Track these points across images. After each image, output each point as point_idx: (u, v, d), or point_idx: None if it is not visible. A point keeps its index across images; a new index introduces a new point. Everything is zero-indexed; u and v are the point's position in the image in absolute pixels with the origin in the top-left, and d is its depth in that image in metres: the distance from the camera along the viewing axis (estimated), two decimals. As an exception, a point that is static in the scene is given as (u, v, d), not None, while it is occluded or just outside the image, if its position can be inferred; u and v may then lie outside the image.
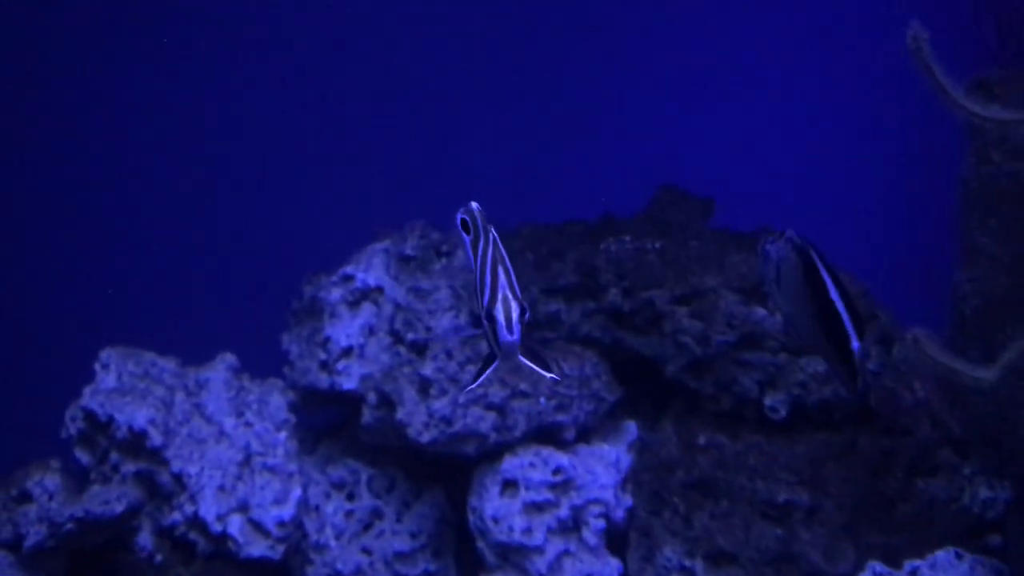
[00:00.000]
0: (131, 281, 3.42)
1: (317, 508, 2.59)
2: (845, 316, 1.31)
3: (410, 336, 2.64)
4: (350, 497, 2.60)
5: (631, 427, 2.62)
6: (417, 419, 2.38)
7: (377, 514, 2.58)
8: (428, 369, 2.41)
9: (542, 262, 2.82)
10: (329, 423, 2.78)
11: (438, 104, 3.71)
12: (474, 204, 1.26)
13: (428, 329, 2.64)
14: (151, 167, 3.48)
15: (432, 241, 2.79)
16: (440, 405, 2.38)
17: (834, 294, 1.32)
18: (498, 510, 2.39)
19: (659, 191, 3.04)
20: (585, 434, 2.58)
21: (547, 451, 2.46)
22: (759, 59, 3.33)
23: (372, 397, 2.47)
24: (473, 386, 1.32)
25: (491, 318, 1.19)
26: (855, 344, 1.31)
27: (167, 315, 3.26)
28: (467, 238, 1.24)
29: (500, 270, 1.21)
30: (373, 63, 3.70)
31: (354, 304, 2.66)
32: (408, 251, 2.75)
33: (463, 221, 1.25)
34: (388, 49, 3.67)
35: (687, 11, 3.47)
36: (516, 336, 1.19)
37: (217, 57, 3.55)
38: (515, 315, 1.18)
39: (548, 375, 1.29)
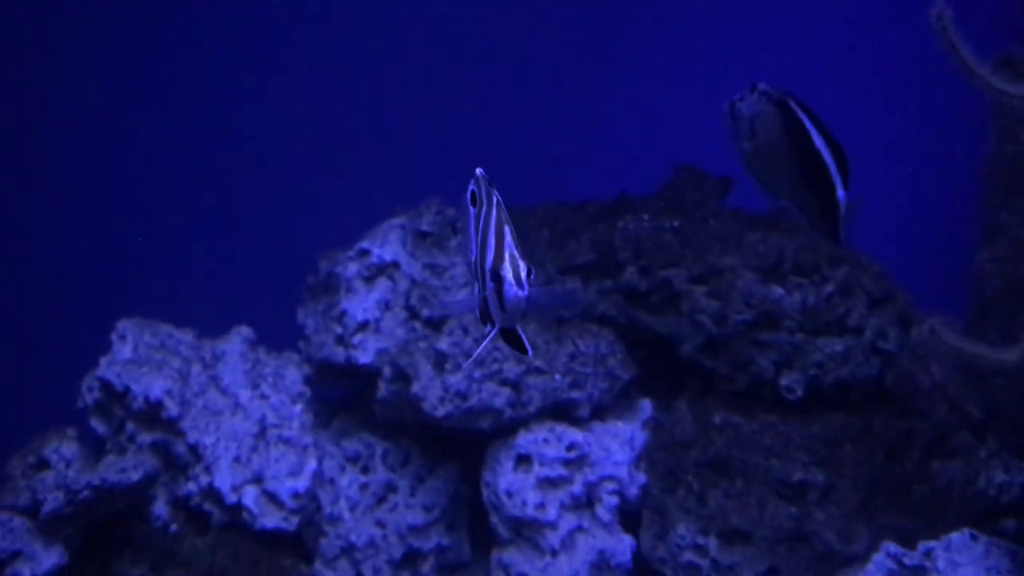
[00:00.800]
0: (149, 254, 3.42)
1: (332, 481, 2.60)
2: (831, 164, 1.28)
3: (425, 312, 2.64)
4: (364, 470, 2.61)
5: (646, 405, 2.62)
6: (432, 393, 2.39)
7: (391, 487, 2.59)
8: (444, 344, 2.41)
9: (558, 240, 2.81)
10: (344, 397, 2.78)
11: (455, 84, 3.69)
12: (479, 170, 1.23)
13: (444, 305, 2.64)
14: (169, 142, 3.48)
15: (448, 218, 2.78)
16: (455, 380, 2.38)
17: (819, 142, 1.29)
18: (512, 485, 2.40)
19: (676, 171, 3.02)
20: (600, 412, 2.58)
21: (561, 427, 2.46)
22: (778, 37, 3.30)
23: (388, 371, 2.47)
24: (474, 356, 1.30)
25: (498, 277, 1.16)
26: (840, 193, 1.28)
27: (184, 288, 3.26)
28: (472, 210, 1.22)
29: (506, 230, 1.19)
30: (388, 44, 3.69)
31: (370, 279, 2.66)
32: (424, 227, 2.74)
33: (472, 193, 1.23)
34: (403, 32, 3.66)
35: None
36: (525, 291, 1.18)
37: (236, 38, 3.54)
38: (523, 273, 1.17)
39: (525, 354, 1.26)
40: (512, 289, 1.17)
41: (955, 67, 1.51)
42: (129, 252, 3.40)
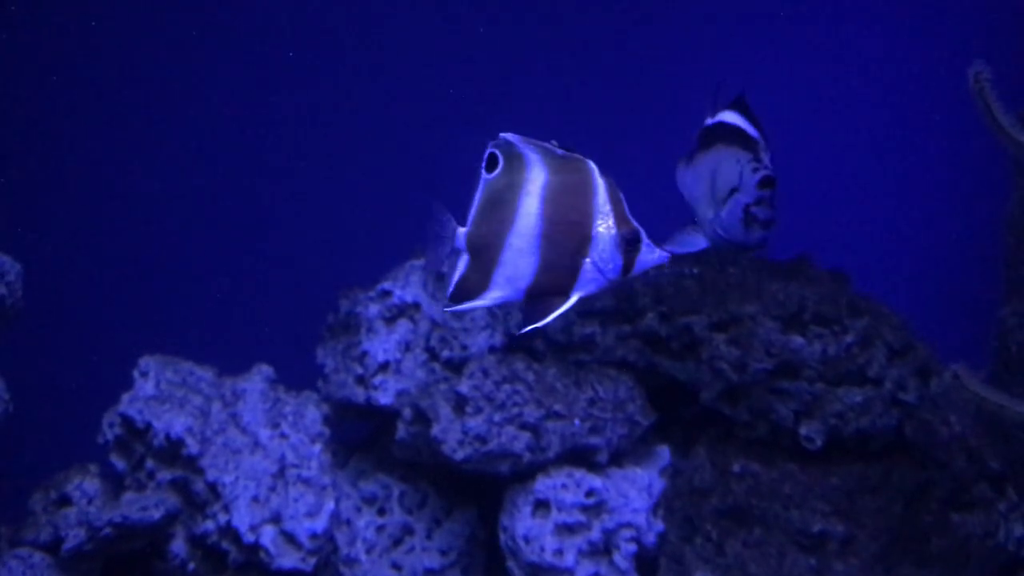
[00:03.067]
0: (171, 292, 3.45)
1: (348, 522, 2.60)
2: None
3: (445, 353, 2.65)
4: (381, 512, 2.62)
5: (664, 452, 2.62)
6: (452, 436, 2.39)
7: (408, 530, 2.59)
8: (464, 387, 2.42)
9: (577, 284, 2.83)
10: (362, 437, 2.80)
11: (476, 122, 3.73)
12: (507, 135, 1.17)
13: (463, 347, 2.65)
14: (194, 181, 3.52)
15: (469, 260, 2.81)
16: (475, 423, 2.39)
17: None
18: (529, 530, 2.40)
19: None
20: (618, 457, 2.58)
21: (580, 473, 2.46)
22: (802, 88, 3.34)
23: (407, 413, 2.48)
24: (547, 320, 1.21)
25: (637, 239, 1.14)
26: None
27: (207, 326, 3.28)
28: (486, 176, 1.17)
29: (621, 195, 1.17)
30: (410, 78, 3.72)
31: (391, 320, 2.68)
32: (444, 269, 2.76)
33: (491, 157, 1.17)
34: (422, 64, 3.69)
35: (718, 29, 3.48)
36: (667, 254, 1.18)
37: (254, 73, 3.59)
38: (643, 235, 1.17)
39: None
40: (653, 253, 1.16)
41: (988, 126, 1.54)
42: (153, 289, 3.43)
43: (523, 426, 2.43)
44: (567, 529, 2.40)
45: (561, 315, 1.20)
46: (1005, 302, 1.86)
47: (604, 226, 1.16)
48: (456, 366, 2.63)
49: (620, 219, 1.16)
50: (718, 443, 2.55)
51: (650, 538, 2.47)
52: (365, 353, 2.61)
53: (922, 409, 2.31)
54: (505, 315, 2.75)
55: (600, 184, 1.16)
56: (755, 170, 1.43)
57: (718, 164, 1.47)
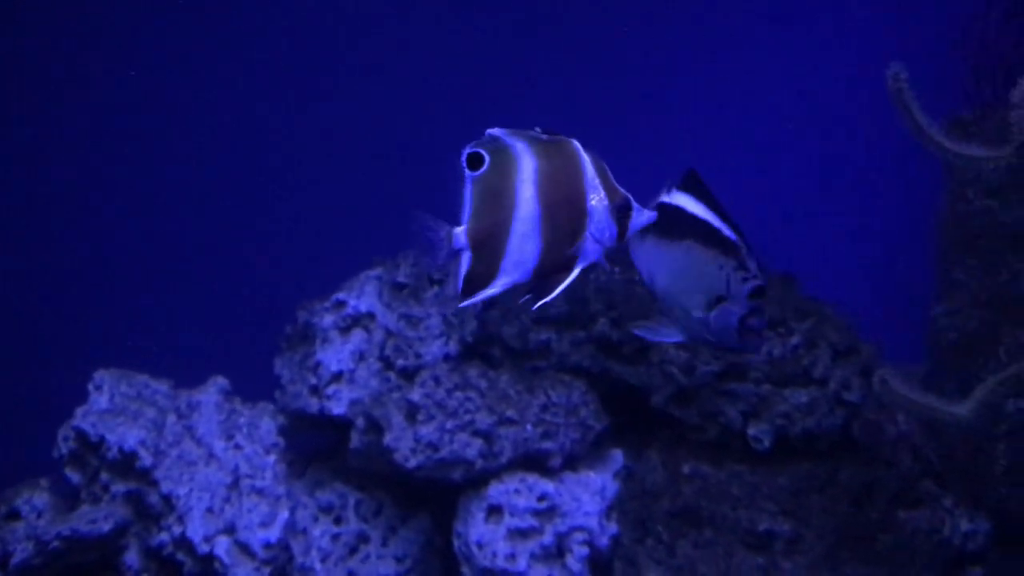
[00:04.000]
0: (127, 304, 3.45)
1: (304, 531, 2.61)
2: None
3: (400, 362, 2.67)
4: (337, 521, 2.63)
5: (617, 455, 2.64)
6: (404, 444, 2.41)
7: (363, 538, 2.60)
8: (416, 395, 2.43)
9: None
10: (319, 447, 2.80)
11: (442, 129, 3.75)
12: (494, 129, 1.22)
13: (418, 356, 2.67)
14: (153, 193, 3.52)
15: (424, 268, 2.83)
16: (427, 431, 2.40)
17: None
18: (482, 535, 2.41)
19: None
20: (572, 461, 2.60)
21: (532, 478, 2.48)
22: (755, 93, 3.38)
23: (361, 422, 2.50)
24: (555, 293, 1.25)
25: (628, 206, 1.20)
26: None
27: (163, 338, 3.28)
28: (471, 174, 1.19)
29: (605, 166, 1.22)
30: (377, 81, 3.73)
31: (346, 330, 2.69)
32: (401, 278, 2.79)
33: (473, 156, 1.19)
34: (389, 70, 3.71)
35: (694, 50, 3.52)
36: (654, 213, 1.23)
37: (217, 78, 3.59)
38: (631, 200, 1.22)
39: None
40: (644, 214, 1.23)
41: (908, 127, 1.57)
42: (110, 302, 3.43)
43: (475, 433, 2.45)
44: (520, 534, 2.42)
45: (568, 286, 1.25)
46: (937, 301, 1.89)
47: (596, 199, 1.21)
48: (411, 375, 2.65)
49: (610, 190, 1.20)
50: (670, 445, 2.58)
51: (603, 541, 2.49)
52: (319, 363, 2.62)
53: (869, 408, 2.34)
54: (461, 322, 2.77)
55: (587, 160, 1.21)
56: (744, 279, 1.42)
57: (697, 266, 1.43)
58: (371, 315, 2.70)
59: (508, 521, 2.42)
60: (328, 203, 3.65)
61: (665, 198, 1.43)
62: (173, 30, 3.50)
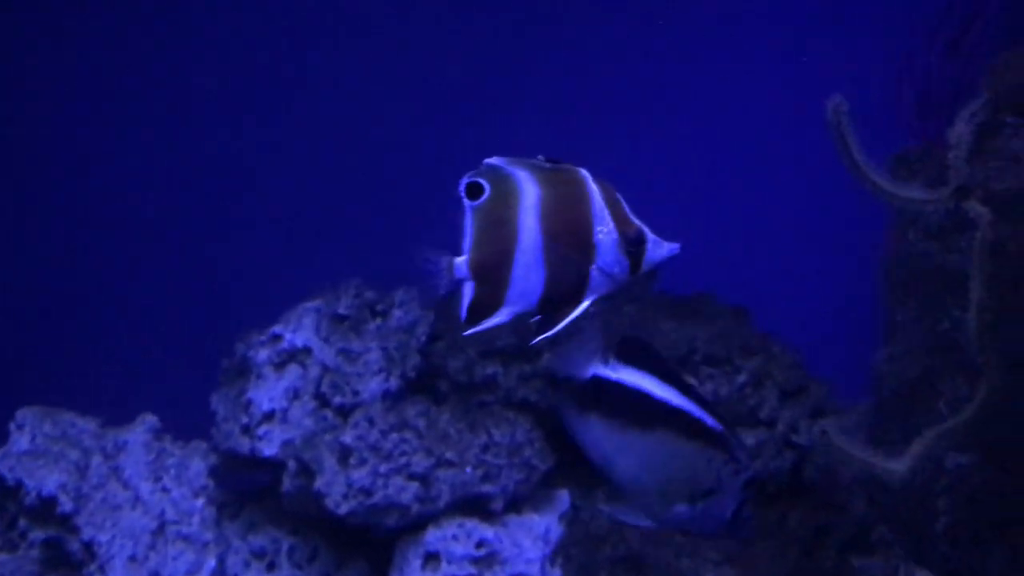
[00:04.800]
0: (59, 335, 3.34)
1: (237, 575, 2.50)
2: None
3: (337, 400, 2.56)
4: (271, 567, 2.52)
5: (564, 496, 2.54)
6: (336, 490, 2.30)
7: (297, 585, 2.49)
8: (348, 437, 2.33)
9: (480, 323, 2.76)
10: (253, 487, 2.69)
11: (393, 159, 3.66)
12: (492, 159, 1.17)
13: (355, 393, 2.57)
14: (81, 209, 3.40)
15: (367, 300, 2.73)
16: (359, 475, 2.30)
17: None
18: (418, 584, 2.31)
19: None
20: (516, 504, 2.50)
21: (472, 523, 2.38)
22: (710, 120, 3.31)
23: (292, 465, 2.39)
24: (556, 329, 1.19)
25: (641, 239, 1.14)
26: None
27: (98, 371, 3.17)
28: (470, 204, 1.15)
29: (618, 196, 1.16)
30: (327, 96, 3.64)
31: (280, 365, 2.59)
32: (341, 310, 2.68)
33: (473, 185, 1.15)
34: (344, 91, 3.61)
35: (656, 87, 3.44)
36: (676, 245, 1.16)
37: (152, 115, 3.49)
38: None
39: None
40: (665, 248, 1.16)
41: (844, 163, 1.48)
42: (41, 335, 3.32)
43: (411, 476, 2.35)
44: (457, 582, 2.32)
45: (573, 320, 1.20)
46: (881, 345, 1.81)
47: (604, 231, 1.16)
48: (348, 413, 2.54)
49: (620, 221, 1.16)
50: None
51: (547, 588, 2.39)
52: (250, 402, 2.51)
53: (819, 451, 2.25)
54: (402, 357, 2.67)
55: (595, 190, 1.16)
56: (736, 472, 1.32)
57: (678, 460, 1.31)
58: (307, 350, 2.59)
59: (445, 569, 2.32)
60: (279, 223, 3.54)
61: (607, 373, 1.31)
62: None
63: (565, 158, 1.20)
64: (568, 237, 1.15)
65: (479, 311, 1.18)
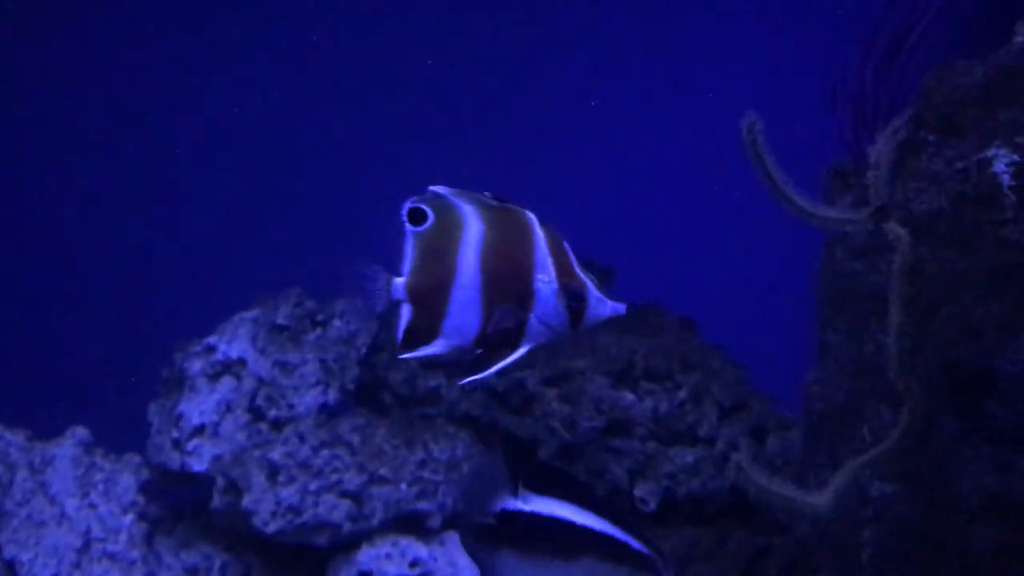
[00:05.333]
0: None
1: (168, 596, 2.43)
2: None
3: (272, 413, 2.50)
4: (203, 585, 2.45)
5: (505, 513, 2.49)
6: (264, 508, 2.24)
7: (228, 604, 2.42)
8: (276, 454, 2.27)
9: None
10: (188, 502, 2.63)
11: (344, 165, 3.59)
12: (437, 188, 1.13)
13: (291, 406, 2.50)
14: (11, 228, 3.33)
15: (307, 310, 2.66)
16: (288, 493, 2.23)
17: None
18: (349, 605, 2.25)
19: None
20: (456, 520, 2.44)
21: (406, 541, 2.32)
22: (658, 137, 3.26)
23: (220, 481, 2.32)
24: (488, 373, 1.16)
25: (582, 295, 1.09)
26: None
27: (44, 384, 3.10)
28: (414, 228, 1.12)
29: (565, 246, 1.11)
30: (271, 103, 3.56)
31: (214, 377, 2.52)
32: (280, 320, 2.62)
33: (416, 211, 1.12)
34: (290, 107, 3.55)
35: (597, 95, 3.39)
36: (623, 306, 1.12)
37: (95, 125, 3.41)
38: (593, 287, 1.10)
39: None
40: (610, 306, 1.11)
41: (763, 182, 1.43)
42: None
43: (343, 494, 2.28)
44: (389, 603, 2.26)
45: (509, 365, 1.16)
46: (812, 366, 1.75)
47: (545, 279, 1.12)
48: (283, 427, 2.47)
49: (563, 272, 1.11)
50: (559, 503, 2.42)
51: (483, 608, 2.33)
52: (181, 415, 2.44)
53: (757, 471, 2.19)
54: (341, 369, 2.60)
55: (540, 235, 1.12)
56: None
57: None
58: (242, 361, 2.53)
59: (377, 589, 2.26)
60: (224, 231, 3.47)
61: (518, 506, 1.24)
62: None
63: (510, 175, 1.15)
64: (507, 280, 1.11)
65: (416, 336, 1.14)
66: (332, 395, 2.55)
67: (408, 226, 1.12)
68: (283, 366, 2.54)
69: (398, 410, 2.64)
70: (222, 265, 3.46)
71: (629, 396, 2.26)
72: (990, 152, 1.32)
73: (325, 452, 2.29)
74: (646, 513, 2.27)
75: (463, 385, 2.15)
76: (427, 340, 1.14)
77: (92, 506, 2.39)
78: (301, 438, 2.30)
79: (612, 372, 2.28)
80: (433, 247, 1.12)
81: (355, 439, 2.35)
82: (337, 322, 2.66)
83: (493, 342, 1.13)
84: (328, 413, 2.51)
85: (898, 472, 1.48)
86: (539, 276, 1.11)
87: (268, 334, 2.60)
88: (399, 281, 1.13)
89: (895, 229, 1.36)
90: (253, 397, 2.50)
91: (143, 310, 3.52)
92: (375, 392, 2.70)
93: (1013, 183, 1.28)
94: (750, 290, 3.13)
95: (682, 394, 2.25)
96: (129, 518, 2.40)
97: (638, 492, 2.27)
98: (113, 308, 3.53)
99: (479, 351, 1.15)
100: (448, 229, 1.11)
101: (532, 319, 1.12)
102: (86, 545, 2.33)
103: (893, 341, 1.38)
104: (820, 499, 1.45)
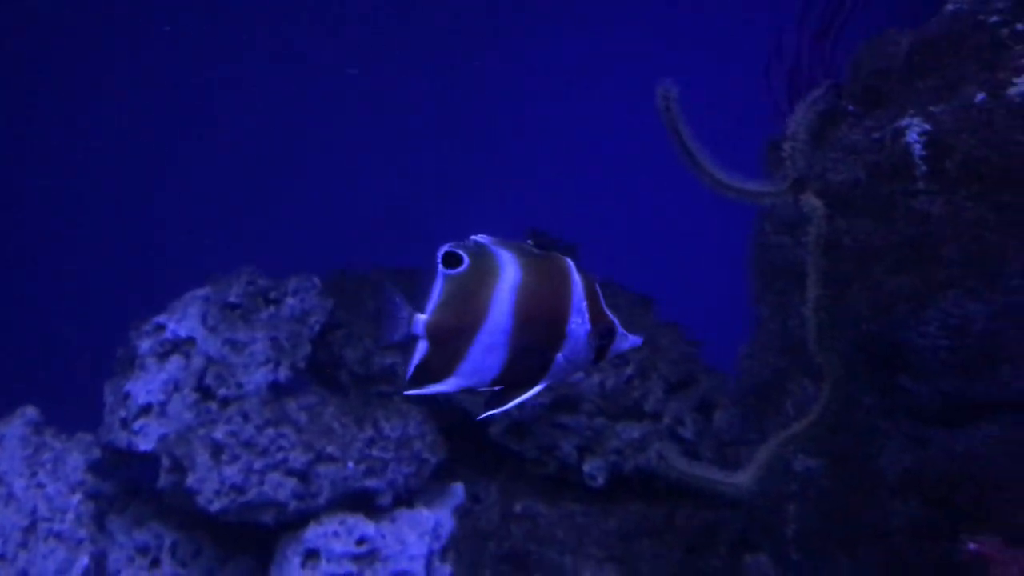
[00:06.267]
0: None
1: (118, 573, 2.42)
2: None
3: (222, 392, 2.48)
4: (154, 563, 2.44)
5: (458, 490, 2.47)
6: (208, 487, 2.22)
7: (178, 583, 2.41)
8: (220, 433, 2.25)
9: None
10: (143, 480, 2.61)
11: (311, 138, 3.56)
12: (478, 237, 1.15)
13: (239, 385, 2.48)
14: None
15: (260, 288, 2.63)
16: (231, 472, 2.22)
17: None
18: (296, 583, 2.24)
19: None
20: (408, 497, 2.42)
21: (354, 519, 2.30)
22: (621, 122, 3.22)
23: (166, 460, 2.31)
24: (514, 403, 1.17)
25: (612, 333, 1.14)
26: None
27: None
28: (444, 271, 1.14)
29: (597, 288, 1.16)
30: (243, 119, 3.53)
31: (163, 356, 2.49)
32: (232, 299, 2.59)
33: (451, 255, 1.14)
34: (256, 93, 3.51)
35: (564, 69, 3.34)
36: (640, 338, 1.17)
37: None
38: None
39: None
40: (630, 339, 1.16)
41: (678, 152, 1.40)
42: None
43: (289, 472, 2.27)
44: (336, 581, 2.25)
45: (527, 400, 1.18)
46: (744, 341, 1.73)
47: (579, 323, 1.15)
48: (231, 405, 2.45)
49: (596, 314, 1.15)
50: (512, 480, 2.41)
51: (433, 585, 2.32)
52: (128, 394, 2.42)
53: (706, 445, 2.17)
54: (293, 347, 2.58)
55: (576, 281, 1.15)
56: None
57: None
58: (191, 340, 2.50)
59: (324, 567, 2.24)
60: (183, 208, 3.44)
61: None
62: None
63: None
64: (542, 324, 1.13)
65: (427, 373, 1.16)
66: (283, 373, 2.53)
67: (441, 268, 1.14)
68: (233, 344, 2.51)
69: (355, 388, 2.62)
70: (184, 244, 3.43)
71: (578, 374, 2.24)
72: (903, 121, 1.29)
73: (270, 431, 2.27)
74: (595, 489, 2.26)
75: (480, 419, 2.17)
76: (438, 379, 1.15)
77: (39, 485, 2.38)
78: (245, 417, 2.28)
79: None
80: (464, 291, 1.13)
81: (302, 417, 2.34)
82: (290, 300, 2.64)
83: (513, 382, 1.15)
84: (278, 391, 2.49)
85: (821, 447, 1.46)
86: (574, 320, 1.14)
87: (219, 312, 2.57)
88: (420, 317, 1.14)
89: (810, 201, 1.33)
90: (202, 376, 2.48)
91: (108, 288, 3.50)
92: (334, 371, 2.68)
93: (924, 152, 1.25)
94: (714, 266, 3.10)
95: (629, 370, 2.23)
96: (77, 497, 2.38)
97: (587, 468, 2.26)
98: (82, 287, 3.51)
99: (497, 388, 1.17)
100: (483, 275, 1.13)
101: (559, 358, 1.15)
102: (32, 525, 2.31)
103: (811, 315, 1.35)
104: (742, 478, 1.43)
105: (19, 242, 3.45)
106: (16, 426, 2.46)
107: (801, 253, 1.42)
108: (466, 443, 2.53)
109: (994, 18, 1.31)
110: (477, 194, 3.50)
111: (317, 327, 2.62)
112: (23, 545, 2.29)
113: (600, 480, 2.24)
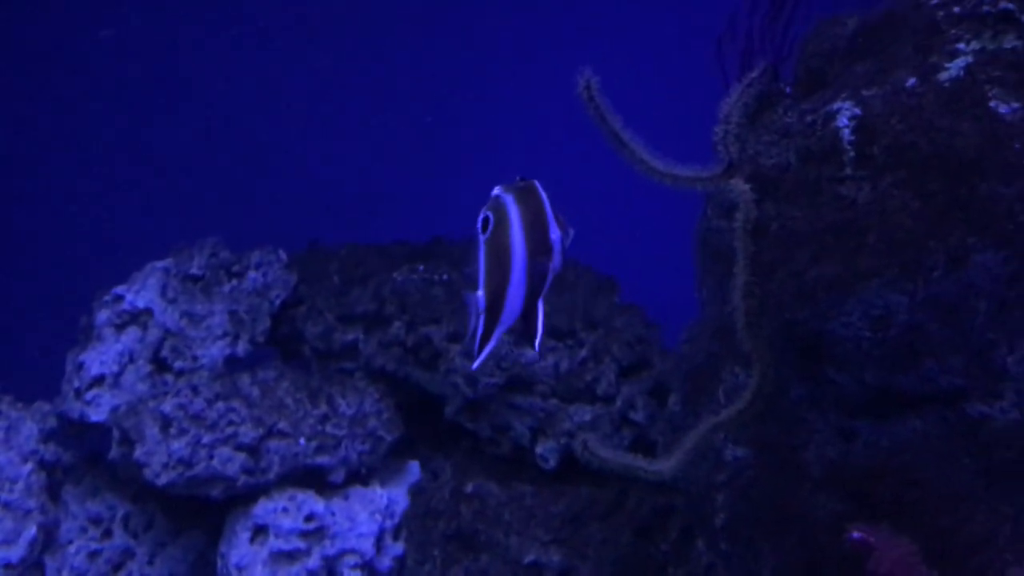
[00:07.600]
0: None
1: (71, 543, 2.41)
2: None
3: (178, 364, 2.46)
4: (106, 534, 2.43)
5: (414, 468, 2.45)
6: (156, 460, 2.21)
7: (129, 554, 2.40)
8: (168, 406, 2.23)
9: (346, 287, 2.64)
10: (98, 452, 2.60)
11: (279, 114, 3.52)
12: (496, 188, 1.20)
13: (195, 358, 2.46)
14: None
15: (222, 260, 2.61)
16: (179, 445, 2.20)
17: None
18: (243, 558, 2.22)
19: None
20: (362, 475, 2.41)
21: (303, 496, 2.29)
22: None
23: (116, 432, 2.29)
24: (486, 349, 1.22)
25: (568, 232, 1.21)
26: None
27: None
28: (483, 237, 1.20)
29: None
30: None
31: (120, 327, 2.47)
32: (194, 270, 2.57)
33: (484, 220, 1.20)
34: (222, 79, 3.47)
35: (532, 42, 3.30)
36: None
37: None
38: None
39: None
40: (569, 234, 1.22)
41: (608, 141, 1.36)
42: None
43: (239, 447, 2.25)
44: (284, 556, 2.23)
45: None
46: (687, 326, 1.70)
47: (556, 235, 1.23)
48: (184, 378, 2.44)
49: (558, 221, 1.22)
50: (466, 459, 2.39)
51: (384, 563, 2.31)
52: (81, 365, 2.40)
53: (659, 429, 2.15)
54: (252, 321, 2.56)
55: (546, 198, 1.22)
56: None
57: None
58: (148, 311, 2.48)
59: (272, 543, 2.23)
60: (148, 176, 3.42)
61: None
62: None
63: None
64: (541, 248, 1.21)
65: (483, 340, 1.23)
66: (241, 347, 2.51)
67: (480, 235, 1.19)
68: (191, 317, 2.49)
69: (316, 363, 2.59)
70: (154, 216, 3.41)
71: (531, 352, 2.21)
72: (835, 105, 1.25)
73: (220, 404, 2.25)
74: (547, 471, 2.24)
75: (531, 359, 2.21)
76: (488, 338, 1.23)
77: (-9, 455, 2.36)
78: (195, 390, 2.26)
79: (515, 329, 2.22)
80: (496, 246, 1.19)
81: (254, 392, 2.32)
82: (252, 273, 2.61)
83: (527, 307, 1.23)
84: (235, 365, 2.47)
85: (750, 437, 1.43)
86: (552, 231, 1.21)
87: (180, 284, 2.55)
88: (479, 294, 1.20)
89: (738, 184, 1.29)
90: (158, 348, 2.46)
91: (79, 257, 3.48)
92: (296, 346, 2.65)
93: (853, 137, 1.21)
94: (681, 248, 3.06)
95: (583, 352, 2.20)
96: (28, 467, 2.37)
97: (539, 449, 2.24)
98: (52, 256, 3.49)
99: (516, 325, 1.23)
100: (501, 224, 1.19)
101: (550, 269, 1.22)
102: (-18, 494, 2.30)
103: (740, 302, 1.32)
104: (664, 465, 1.41)
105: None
106: (-30, 395, 2.45)
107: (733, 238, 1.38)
108: (425, 422, 2.51)
109: (933, 1, 1.27)
110: (445, 168, 3.47)
111: (278, 301, 2.60)
112: (-28, 514, 2.28)
113: (552, 462, 2.22)
